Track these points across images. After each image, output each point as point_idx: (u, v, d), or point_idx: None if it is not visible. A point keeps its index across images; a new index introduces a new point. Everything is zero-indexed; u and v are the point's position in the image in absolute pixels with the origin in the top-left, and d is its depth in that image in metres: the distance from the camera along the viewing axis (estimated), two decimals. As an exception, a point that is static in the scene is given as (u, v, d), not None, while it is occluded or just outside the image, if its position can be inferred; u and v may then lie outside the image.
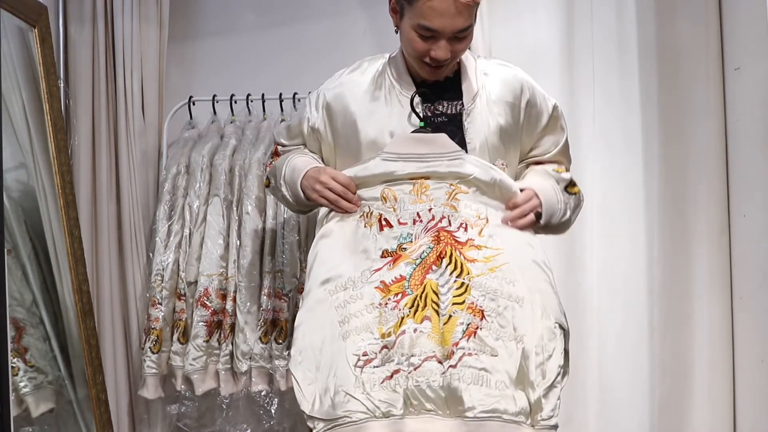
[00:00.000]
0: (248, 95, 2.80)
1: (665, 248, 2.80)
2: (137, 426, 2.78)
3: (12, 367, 2.14)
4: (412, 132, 1.85)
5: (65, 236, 2.43)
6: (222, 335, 2.60)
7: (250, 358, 2.58)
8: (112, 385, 2.68)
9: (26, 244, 2.33)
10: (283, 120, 2.76)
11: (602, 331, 2.80)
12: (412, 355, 1.67)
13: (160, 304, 2.62)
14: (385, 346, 1.69)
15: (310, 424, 1.70)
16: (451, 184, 1.81)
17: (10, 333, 2.08)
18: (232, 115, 2.81)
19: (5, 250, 2.06)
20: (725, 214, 2.77)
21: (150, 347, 2.61)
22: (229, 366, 2.60)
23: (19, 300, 2.27)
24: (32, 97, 2.41)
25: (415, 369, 1.67)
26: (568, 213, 1.93)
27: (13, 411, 2.05)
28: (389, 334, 1.69)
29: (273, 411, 2.66)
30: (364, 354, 1.69)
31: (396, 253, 1.77)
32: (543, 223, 1.87)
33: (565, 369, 1.74)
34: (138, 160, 2.79)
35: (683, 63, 2.79)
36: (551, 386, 1.69)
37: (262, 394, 2.64)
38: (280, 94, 2.77)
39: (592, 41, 2.84)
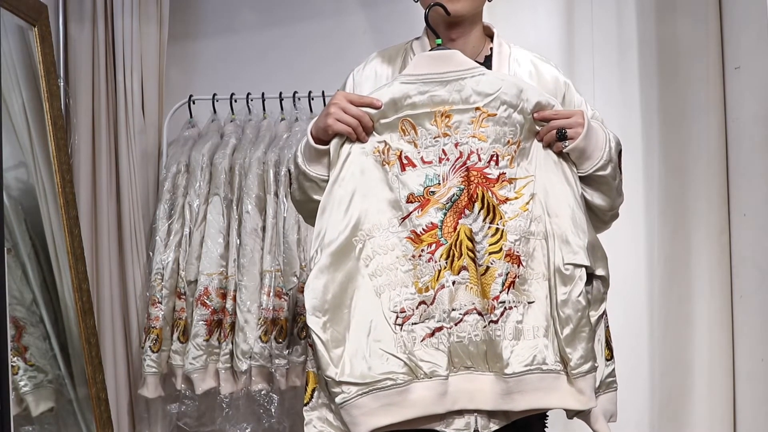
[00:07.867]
0: (248, 94, 2.80)
1: (665, 248, 2.80)
2: (137, 425, 2.78)
3: (12, 366, 2.14)
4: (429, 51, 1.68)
5: (65, 235, 2.43)
6: (222, 334, 2.60)
7: (250, 357, 2.57)
8: (112, 384, 2.67)
9: (26, 242, 2.33)
10: (283, 119, 2.77)
11: (602, 331, 2.80)
12: (453, 309, 1.58)
13: (160, 303, 2.62)
14: (422, 302, 1.59)
15: (335, 389, 1.55)
16: (477, 108, 1.62)
17: (10, 332, 2.08)
18: (232, 113, 2.81)
19: (5, 249, 2.06)
20: (725, 214, 2.77)
21: (150, 346, 2.61)
22: (229, 365, 2.60)
23: (19, 299, 2.26)
24: (32, 96, 2.41)
25: (456, 324, 1.58)
26: (611, 171, 1.67)
27: (13, 410, 2.05)
28: (427, 289, 1.59)
29: (273, 410, 2.66)
30: (402, 311, 1.58)
31: (424, 198, 1.61)
32: (577, 153, 1.64)
33: (590, 314, 1.61)
34: (138, 159, 2.79)
35: (683, 62, 2.79)
36: (574, 333, 1.57)
37: (262, 393, 2.64)
38: (280, 93, 2.77)
39: (591, 40, 2.84)
